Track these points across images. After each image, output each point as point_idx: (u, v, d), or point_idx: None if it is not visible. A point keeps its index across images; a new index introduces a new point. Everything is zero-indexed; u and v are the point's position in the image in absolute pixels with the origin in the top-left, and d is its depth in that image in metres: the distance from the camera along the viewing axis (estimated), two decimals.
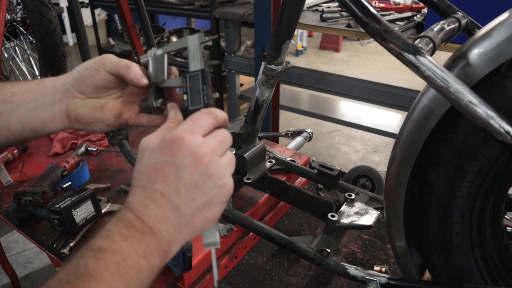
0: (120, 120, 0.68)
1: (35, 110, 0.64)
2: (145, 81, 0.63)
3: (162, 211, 0.50)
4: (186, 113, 0.57)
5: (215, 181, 0.51)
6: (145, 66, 0.66)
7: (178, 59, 3.13)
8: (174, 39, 3.78)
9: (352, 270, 0.87)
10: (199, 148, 0.50)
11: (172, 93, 0.66)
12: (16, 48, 2.03)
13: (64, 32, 5.59)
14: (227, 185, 0.52)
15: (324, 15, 2.38)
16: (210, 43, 3.23)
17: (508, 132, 0.58)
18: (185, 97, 0.59)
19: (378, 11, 1.28)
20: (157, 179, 0.51)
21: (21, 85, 0.66)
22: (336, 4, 2.63)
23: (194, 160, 0.50)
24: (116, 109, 0.67)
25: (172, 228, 0.51)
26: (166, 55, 0.65)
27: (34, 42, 1.75)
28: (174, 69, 0.65)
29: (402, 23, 2.27)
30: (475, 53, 0.65)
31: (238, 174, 1.14)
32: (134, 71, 0.63)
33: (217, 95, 0.60)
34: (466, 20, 0.83)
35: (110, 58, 0.64)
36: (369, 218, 0.95)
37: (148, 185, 0.51)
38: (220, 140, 0.53)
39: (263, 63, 0.99)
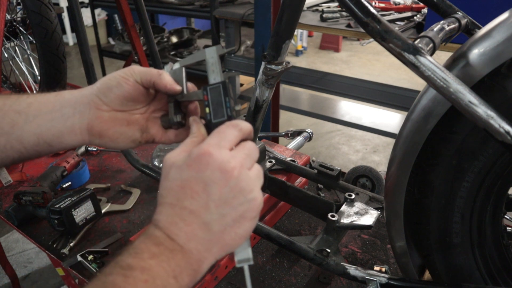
0: (146, 136, 0.64)
1: (51, 122, 0.60)
2: (178, 87, 0.61)
3: (191, 228, 0.49)
4: (209, 126, 0.56)
5: (245, 195, 0.50)
6: None
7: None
8: (174, 39, 3.78)
9: (352, 270, 0.87)
10: (227, 163, 0.49)
11: (191, 108, 0.64)
12: (16, 48, 2.02)
13: (64, 32, 5.59)
14: (257, 199, 0.51)
15: (324, 15, 2.38)
16: (210, 43, 3.24)
17: (508, 132, 0.58)
18: (207, 110, 0.57)
19: (378, 11, 1.28)
20: (186, 196, 0.49)
21: (38, 96, 0.63)
22: (336, 4, 2.63)
23: (223, 175, 0.49)
24: (142, 124, 0.64)
25: (202, 246, 0.49)
26: (184, 69, 0.63)
27: (34, 42, 1.75)
28: (190, 84, 0.63)
29: (402, 23, 2.27)
30: (475, 53, 0.65)
31: None
32: (166, 77, 0.61)
33: (239, 106, 0.59)
34: (466, 20, 0.83)
35: (139, 68, 0.62)
36: (369, 218, 0.95)
37: (176, 202, 0.49)
38: (247, 153, 0.52)
39: (263, 63, 0.99)
